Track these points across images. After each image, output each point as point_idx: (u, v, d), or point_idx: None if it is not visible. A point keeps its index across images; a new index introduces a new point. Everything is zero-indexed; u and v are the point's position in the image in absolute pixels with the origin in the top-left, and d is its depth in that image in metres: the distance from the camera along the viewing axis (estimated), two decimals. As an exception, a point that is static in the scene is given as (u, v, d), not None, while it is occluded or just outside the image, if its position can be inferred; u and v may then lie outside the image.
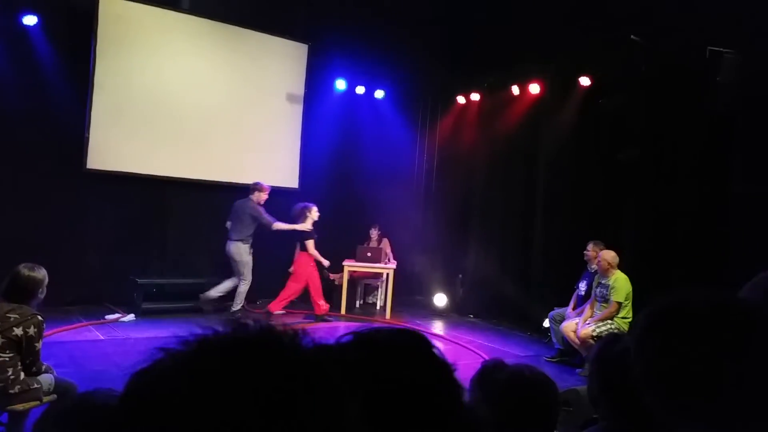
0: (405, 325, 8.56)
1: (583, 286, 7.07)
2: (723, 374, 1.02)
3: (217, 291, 8.18)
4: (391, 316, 8.88)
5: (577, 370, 6.43)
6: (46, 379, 3.74)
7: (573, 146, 8.14)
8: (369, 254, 9.04)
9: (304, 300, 8.59)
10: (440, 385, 0.81)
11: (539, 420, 1.83)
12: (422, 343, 0.85)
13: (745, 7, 6.04)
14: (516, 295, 8.72)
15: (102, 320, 7.47)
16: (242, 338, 0.61)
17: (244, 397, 0.55)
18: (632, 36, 7.10)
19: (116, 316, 7.63)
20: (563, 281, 7.63)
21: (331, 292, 9.47)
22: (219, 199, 9.09)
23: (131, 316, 7.68)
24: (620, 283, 6.43)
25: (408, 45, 9.44)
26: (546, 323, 7.49)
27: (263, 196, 8.25)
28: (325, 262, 8.43)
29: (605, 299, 6.51)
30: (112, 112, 8.09)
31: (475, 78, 9.66)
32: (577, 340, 6.55)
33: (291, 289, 8.35)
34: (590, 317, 6.59)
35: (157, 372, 0.58)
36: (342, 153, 10.05)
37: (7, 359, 3.53)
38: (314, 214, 8.39)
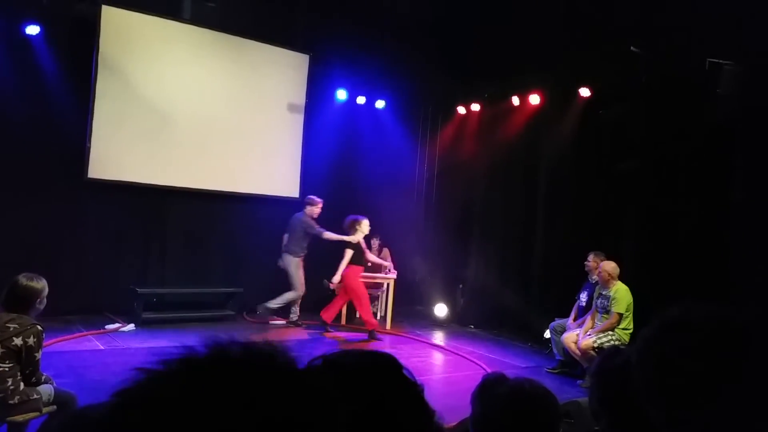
0: (406, 335, 8.55)
1: (584, 297, 7.06)
2: (721, 389, 1.03)
3: (275, 302, 8.41)
4: (391, 327, 8.87)
5: (578, 382, 6.41)
6: (46, 390, 3.73)
7: (573, 157, 8.15)
8: (370, 264, 9.02)
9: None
10: (408, 408, 0.80)
11: None
12: (391, 365, 0.84)
13: (745, 19, 6.06)
14: (517, 306, 8.70)
15: (102, 330, 7.45)
16: (226, 357, 0.60)
17: (236, 416, 0.54)
18: (632, 47, 7.13)
19: (116, 325, 7.61)
20: (564, 292, 7.62)
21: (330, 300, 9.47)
22: (220, 209, 9.11)
23: (131, 326, 7.66)
24: (621, 294, 6.42)
25: (409, 55, 9.48)
26: (547, 334, 7.47)
27: (315, 210, 8.47)
28: (385, 263, 8.64)
29: (606, 310, 6.50)
30: (114, 121, 8.11)
31: (475, 88, 9.69)
32: (578, 351, 6.53)
33: (340, 300, 8.42)
34: (591, 328, 6.58)
35: (140, 392, 0.58)
36: (343, 163, 10.07)
37: (6, 369, 3.52)
38: (364, 227, 8.29)
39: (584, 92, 8.08)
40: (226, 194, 9.09)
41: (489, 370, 6.48)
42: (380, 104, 10.44)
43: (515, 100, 9.06)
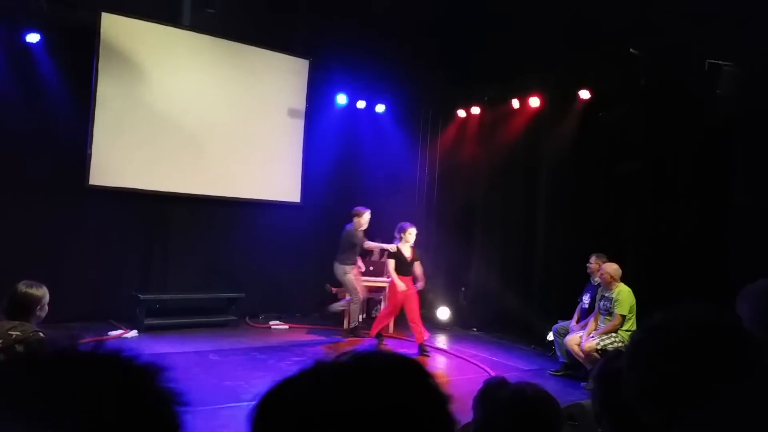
0: (409, 339, 8.54)
1: (586, 299, 7.05)
2: (706, 391, 1.05)
3: (338, 305, 8.66)
4: (393, 330, 8.86)
5: (582, 384, 6.39)
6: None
7: (573, 159, 8.15)
8: (371, 268, 9.03)
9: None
10: (431, 415, 0.80)
11: None
12: (420, 371, 0.84)
13: (744, 20, 6.07)
14: (519, 308, 8.69)
15: (105, 337, 7.45)
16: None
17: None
18: (632, 49, 7.14)
19: (119, 332, 7.62)
20: (566, 294, 7.61)
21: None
22: (221, 214, 9.12)
23: (134, 333, 7.67)
24: (624, 296, 6.42)
25: (408, 59, 9.50)
26: (550, 336, 7.46)
27: (361, 221, 8.37)
28: (400, 285, 7.61)
29: (609, 312, 6.50)
30: (114, 128, 8.13)
31: (475, 91, 9.70)
32: (581, 354, 6.52)
33: (385, 311, 8.20)
34: (594, 330, 6.57)
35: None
36: (343, 167, 10.09)
37: (9, 377, 3.52)
38: (408, 235, 7.80)
39: (584, 94, 8.09)
40: (227, 200, 9.10)
41: (492, 373, 6.48)
42: (380, 108, 10.46)
43: (515, 103, 9.06)
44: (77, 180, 7.91)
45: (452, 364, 7.68)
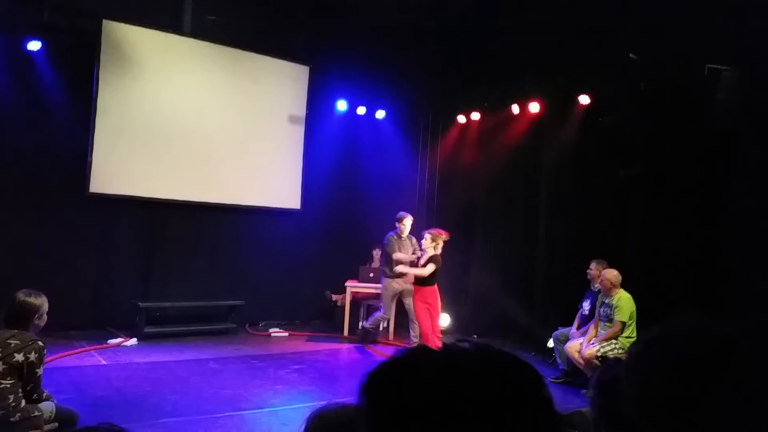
0: (409, 346, 8.52)
1: (586, 306, 7.03)
2: (702, 405, 1.05)
3: (373, 321, 8.48)
4: (393, 337, 8.84)
5: (583, 391, 6.37)
6: (47, 407, 3.72)
7: (573, 164, 8.15)
8: (371, 275, 9.01)
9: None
10: (545, 410, 0.80)
11: None
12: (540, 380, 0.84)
13: (743, 25, 6.07)
14: (520, 315, 8.67)
15: (104, 345, 7.44)
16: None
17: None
18: (631, 54, 7.14)
19: (119, 340, 7.60)
20: (566, 300, 7.59)
21: (333, 313, 9.47)
22: (221, 222, 9.12)
23: (134, 340, 7.66)
24: (624, 303, 6.39)
25: (408, 65, 9.51)
26: (550, 343, 7.43)
27: (402, 227, 8.23)
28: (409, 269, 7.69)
29: (609, 319, 6.48)
30: (115, 136, 8.13)
31: (475, 97, 9.71)
32: (581, 361, 6.50)
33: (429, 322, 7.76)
34: (594, 337, 6.55)
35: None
36: (343, 173, 10.09)
37: (8, 386, 3.51)
38: (439, 239, 7.67)
39: (584, 99, 8.09)
40: (227, 207, 9.10)
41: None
42: (380, 114, 10.46)
43: (515, 108, 9.06)
44: (78, 188, 7.91)
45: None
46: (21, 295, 3.67)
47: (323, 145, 9.89)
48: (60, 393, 4.35)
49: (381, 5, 8.68)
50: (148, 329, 7.90)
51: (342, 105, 10.12)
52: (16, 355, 3.51)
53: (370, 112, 10.40)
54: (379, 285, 9.04)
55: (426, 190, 10.88)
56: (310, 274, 9.64)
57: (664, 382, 1.08)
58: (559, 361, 7.09)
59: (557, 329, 7.29)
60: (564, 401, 5.83)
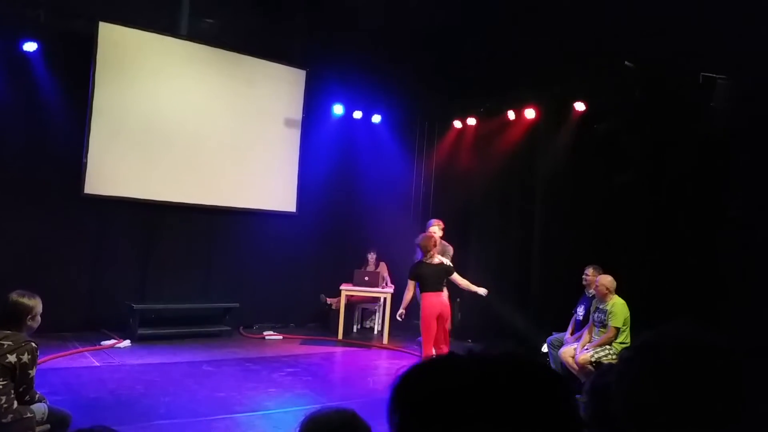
0: (404, 350, 8.52)
1: (581, 311, 7.04)
2: (691, 412, 1.06)
3: None
4: (388, 341, 8.84)
5: (577, 397, 6.37)
6: (40, 409, 3.70)
7: (569, 171, 8.17)
8: (366, 278, 9.01)
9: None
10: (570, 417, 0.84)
11: None
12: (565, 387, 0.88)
13: (738, 33, 6.11)
14: (514, 320, 8.68)
15: (98, 346, 7.42)
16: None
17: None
18: (626, 62, 7.18)
19: (112, 342, 7.58)
20: (561, 305, 7.60)
21: (327, 316, 9.46)
22: (216, 224, 9.12)
23: (127, 342, 7.63)
24: (618, 308, 6.40)
25: (404, 70, 9.53)
26: (544, 348, 7.43)
27: (431, 232, 7.70)
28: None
29: (603, 324, 6.48)
30: (111, 137, 8.13)
31: (471, 103, 9.73)
32: (575, 366, 6.50)
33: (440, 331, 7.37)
34: (588, 342, 6.55)
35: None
36: (339, 177, 10.09)
37: (0, 387, 3.50)
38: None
39: (579, 107, 8.12)
40: (223, 209, 9.09)
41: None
42: (376, 119, 10.48)
43: (511, 115, 9.09)
44: (73, 189, 7.90)
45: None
46: (14, 296, 3.66)
47: (319, 148, 9.90)
48: (53, 394, 4.33)
49: (378, 10, 8.70)
50: (142, 331, 7.88)
51: (338, 109, 10.14)
52: (8, 356, 3.50)
53: (366, 116, 10.42)
54: (375, 289, 9.05)
55: (421, 194, 10.90)
56: (304, 277, 9.64)
57: (653, 388, 1.09)
58: (553, 366, 7.09)
59: (551, 334, 7.29)
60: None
